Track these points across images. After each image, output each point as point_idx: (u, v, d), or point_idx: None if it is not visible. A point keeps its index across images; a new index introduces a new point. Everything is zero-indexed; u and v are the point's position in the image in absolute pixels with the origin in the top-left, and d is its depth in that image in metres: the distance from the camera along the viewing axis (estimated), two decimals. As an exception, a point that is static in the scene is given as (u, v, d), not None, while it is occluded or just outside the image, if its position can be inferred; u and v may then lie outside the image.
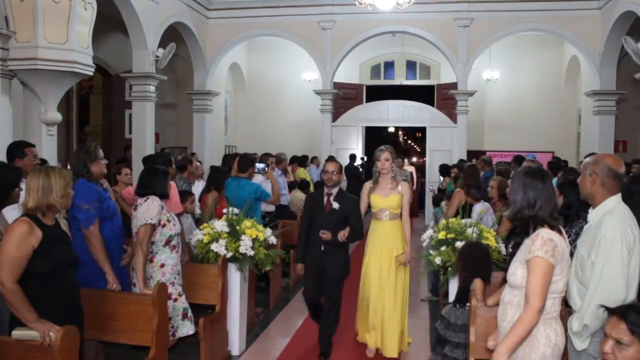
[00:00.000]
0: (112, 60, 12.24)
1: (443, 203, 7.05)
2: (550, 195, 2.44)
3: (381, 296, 4.47)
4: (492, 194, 5.42)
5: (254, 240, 4.40)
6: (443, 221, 4.52)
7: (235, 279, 4.56)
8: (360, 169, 12.53)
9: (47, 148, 6.67)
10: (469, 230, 4.27)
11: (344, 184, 9.88)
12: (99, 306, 3.43)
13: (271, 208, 6.63)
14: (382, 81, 14.39)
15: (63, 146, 11.13)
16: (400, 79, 14.23)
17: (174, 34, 10.51)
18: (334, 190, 4.46)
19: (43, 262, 2.73)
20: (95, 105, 14.44)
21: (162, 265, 3.83)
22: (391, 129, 25.08)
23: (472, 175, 5.89)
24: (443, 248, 4.28)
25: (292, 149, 11.99)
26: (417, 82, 14.24)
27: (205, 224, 4.53)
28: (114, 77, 12.05)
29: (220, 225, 4.41)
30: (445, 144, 12.03)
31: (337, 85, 12.26)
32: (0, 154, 4.70)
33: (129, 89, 10.10)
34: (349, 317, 4.98)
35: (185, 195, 5.18)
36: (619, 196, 2.56)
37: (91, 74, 6.94)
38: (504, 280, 2.80)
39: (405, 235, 4.53)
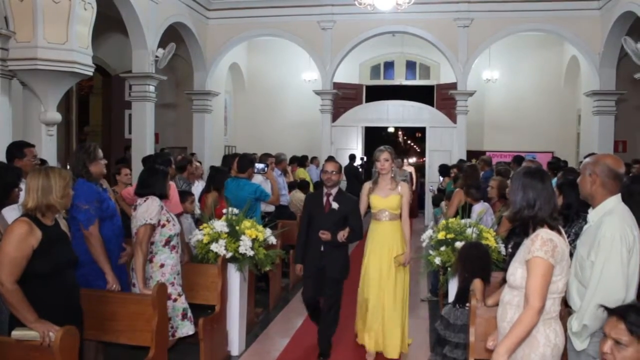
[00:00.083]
0: (112, 61, 12.24)
1: (443, 203, 7.06)
2: (550, 196, 2.44)
3: (381, 297, 4.45)
4: (491, 194, 5.42)
5: (254, 240, 4.40)
6: (443, 221, 4.52)
7: (235, 279, 4.56)
8: (360, 169, 12.53)
9: (47, 148, 6.67)
10: (469, 231, 4.27)
11: (343, 184, 9.88)
12: (98, 306, 3.42)
13: (271, 208, 6.63)
14: (381, 81, 14.39)
15: (63, 146, 11.12)
16: (400, 79, 14.24)
17: (173, 34, 10.50)
18: (334, 191, 4.45)
19: (43, 263, 2.73)
20: (95, 106, 14.44)
21: (162, 266, 3.83)
22: (391, 129, 25.09)
23: (472, 175, 5.89)
24: (443, 248, 4.27)
25: (292, 149, 11.99)
26: (417, 82, 14.24)
27: (204, 224, 4.53)
28: (114, 77, 12.05)
29: (220, 225, 4.41)
30: (445, 144, 12.02)
31: (336, 85, 12.26)
32: (-1, 154, 4.72)
33: (128, 89, 10.09)
34: (349, 318, 4.97)
35: (185, 195, 5.18)
36: (618, 196, 2.57)
37: (91, 74, 6.95)
38: (504, 281, 2.79)
39: (404, 235, 4.51)
